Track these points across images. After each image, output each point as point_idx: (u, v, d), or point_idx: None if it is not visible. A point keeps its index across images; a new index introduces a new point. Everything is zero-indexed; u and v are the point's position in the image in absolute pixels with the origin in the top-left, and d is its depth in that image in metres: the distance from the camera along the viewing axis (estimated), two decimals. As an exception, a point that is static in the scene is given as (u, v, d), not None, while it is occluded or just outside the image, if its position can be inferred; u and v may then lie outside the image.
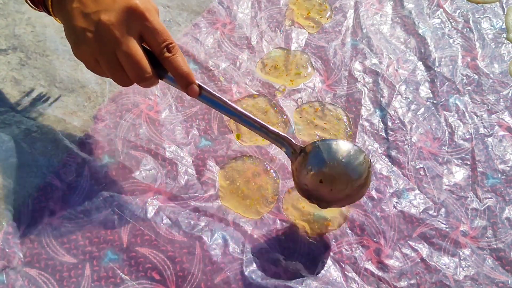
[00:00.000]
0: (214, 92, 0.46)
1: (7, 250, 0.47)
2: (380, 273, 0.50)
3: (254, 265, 0.49)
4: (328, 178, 0.46)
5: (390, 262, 0.50)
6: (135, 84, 0.44)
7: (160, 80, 0.46)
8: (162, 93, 0.58)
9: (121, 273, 0.47)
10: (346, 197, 0.48)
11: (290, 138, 0.48)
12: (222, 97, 0.47)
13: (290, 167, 0.50)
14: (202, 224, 0.50)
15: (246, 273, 0.48)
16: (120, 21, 0.41)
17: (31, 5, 0.47)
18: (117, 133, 0.54)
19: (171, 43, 0.43)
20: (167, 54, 0.43)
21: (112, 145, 0.54)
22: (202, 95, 0.46)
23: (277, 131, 0.48)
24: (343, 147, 0.46)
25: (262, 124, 0.48)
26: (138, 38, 0.42)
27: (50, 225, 0.48)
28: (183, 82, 0.44)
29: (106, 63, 0.42)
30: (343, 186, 0.46)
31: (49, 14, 0.46)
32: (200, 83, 0.45)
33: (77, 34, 0.42)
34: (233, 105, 0.47)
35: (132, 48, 0.41)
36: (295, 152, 0.48)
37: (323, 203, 0.48)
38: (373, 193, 0.54)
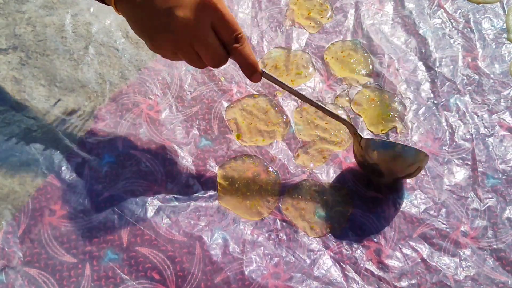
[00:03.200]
0: (274, 76, 0.49)
1: (7, 250, 0.47)
2: (380, 273, 0.49)
3: (254, 265, 0.49)
4: (386, 161, 0.52)
5: (391, 262, 0.50)
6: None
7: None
8: (162, 93, 0.58)
9: (121, 273, 0.47)
10: (397, 179, 0.55)
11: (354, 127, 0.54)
12: (281, 81, 0.50)
13: (353, 144, 0.55)
14: (202, 224, 0.50)
15: (246, 273, 0.48)
16: (195, 15, 0.42)
17: None
18: (117, 132, 0.54)
19: (240, 34, 0.45)
20: (236, 45, 0.45)
21: (112, 145, 0.54)
22: (263, 76, 0.49)
23: (344, 118, 0.53)
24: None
25: (324, 107, 0.52)
26: (211, 28, 0.44)
27: (50, 224, 0.48)
28: (250, 71, 0.47)
29: (184, 55, 0.45)
30: (397, 169, 0.52)
31: (106, 3, 0.46)
32: (263, 69, 0.48)
33: (151, 31, 0.43)
34: (294, 89, 0.50)
35: (209, 41, 0.44)
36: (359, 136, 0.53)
37: (379, 178, 0.54)
38: (373, 193, 0.54)
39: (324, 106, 0.52)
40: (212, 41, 0.44)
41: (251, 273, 0.48)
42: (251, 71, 0.47)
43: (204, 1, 0.42)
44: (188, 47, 0.44)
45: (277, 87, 0.60)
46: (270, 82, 0.52)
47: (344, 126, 0.53)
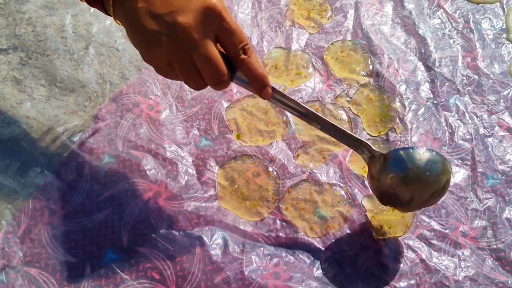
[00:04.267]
0: (286, 94, 0.45)
1: (7, 250, 0.47)
2: (379, 274, 0.50)
3: (254, 265, 0.49)
4: (408, 184, 0.46)
5: (390, 262, 0.50)
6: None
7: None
8: (162, 93, 0.58)
9: (121, 273, 0.47)
10: (423, 203, 0.48)
11: (369, 143, 0.47)
12: (293, 99, 0.45)
13: (367, 172, 0.50)
14: (202, 224, 0.50)
15: (246, 273, 0.48)
16: (198, 22, 0.39)
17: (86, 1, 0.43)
18: (118, 132, 0.55)
19: (246, 44, 0.41)
20: (243, 56, 0.41)
21: (112, 145, 0.54)
22: (274, 97, 0.45)
23: (355, 135, 0.47)
24: (424, 155, 0.46)
25: (338, 127, 0.47)
26: (214, 39, 0.40)
27: (50, 224, 0.48)
28: (258, 85, 0.43)
29: (181, 67, 0.40)
30: (422, 193, 0.47)
31: (107, 13, 0.42)
32: (274, 87, 0.44)
33: (149, 37, 0.39)
34: (305, 106, 0.46)
35: (210, 51, 0.40)
36: (374, 157, 0.48)
37: (401, 208, 0.49)
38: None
39: (336, 126, 0.47)
40: (214, 52, 0.40)
41: (251, 273, 0.48)
42: (261, 85, 0.43)
43: (208, 7, 0.39)
44: (187, 57, 0.39)
45: (277, 86, 0.60)
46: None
47: (344, 126, 0.53)
